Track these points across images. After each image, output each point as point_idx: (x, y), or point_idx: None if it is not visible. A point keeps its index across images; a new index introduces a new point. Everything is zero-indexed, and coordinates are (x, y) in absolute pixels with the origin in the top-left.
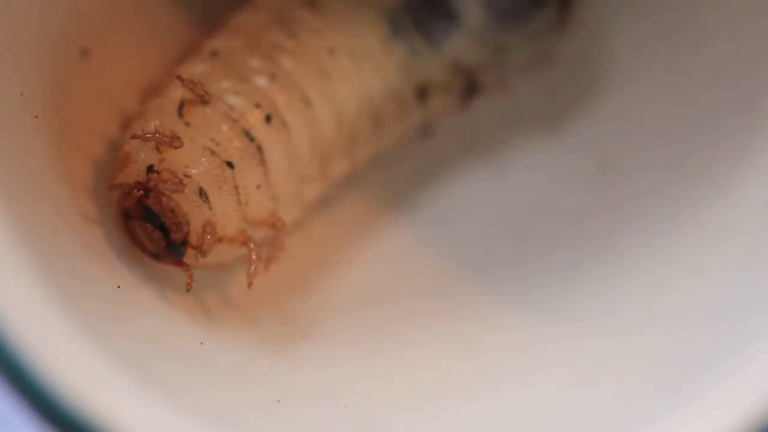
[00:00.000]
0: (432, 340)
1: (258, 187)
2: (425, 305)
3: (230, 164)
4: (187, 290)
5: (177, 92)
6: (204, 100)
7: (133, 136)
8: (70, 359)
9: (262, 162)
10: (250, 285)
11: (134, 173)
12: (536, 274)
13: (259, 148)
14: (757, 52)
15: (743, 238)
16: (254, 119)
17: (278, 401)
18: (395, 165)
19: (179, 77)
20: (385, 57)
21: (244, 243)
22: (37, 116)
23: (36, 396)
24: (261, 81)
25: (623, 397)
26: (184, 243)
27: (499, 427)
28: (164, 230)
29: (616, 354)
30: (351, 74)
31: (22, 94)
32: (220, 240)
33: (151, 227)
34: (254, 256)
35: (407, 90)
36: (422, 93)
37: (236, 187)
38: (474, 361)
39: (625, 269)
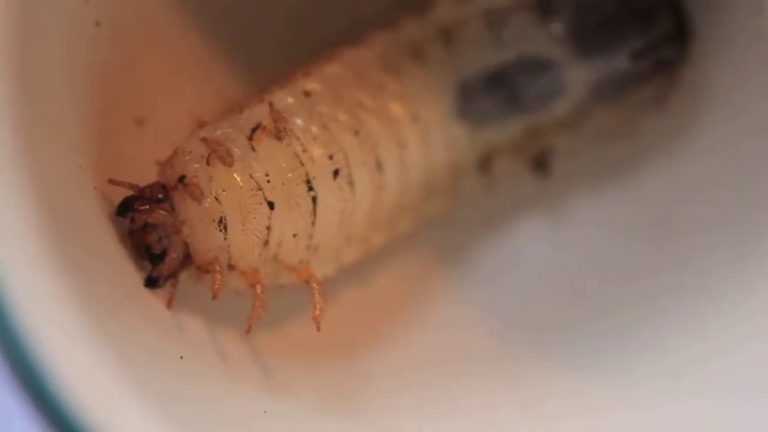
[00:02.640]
0: (487, 407)
1: (294, 236)
2: (479, 369)
3: (271, 204)
4: (168, 308)
5: (257, 113)
6: (279, 136)
7: (203, 139)
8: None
9: (313, 212)
10: (248, 330)
11: (166, 174)
12: (593, 337)
13: (314, 199)
14: None
15: None
16: (321, 169)
17: None
18: (445, 220)
19: (271, 104)
20: (457, 129)
21: (252, 284)
22: (96, 188)
23: None
24: (344, 134)
25: None
26: (166, 276)
27: None
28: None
29: (674, 423)
30: (425, 145)
31: (80, 166)
32: (231, 269)
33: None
34: (258, 303)
35: (468, 162)
36: (486, 164)
37: (268, 228)
38: (532, 430)
39: (684, 332)
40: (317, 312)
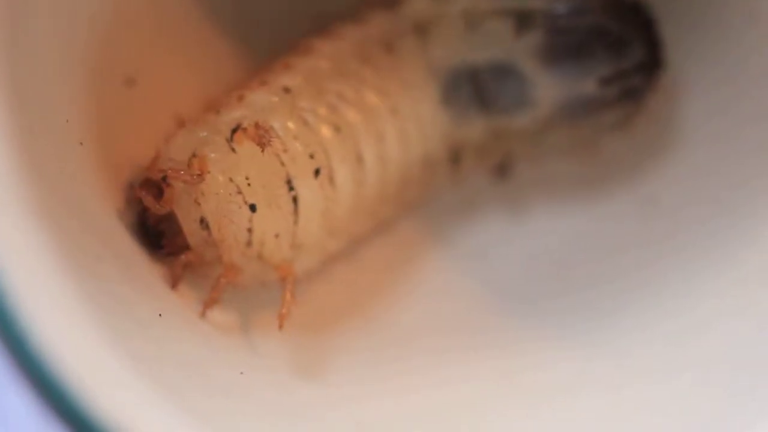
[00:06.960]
0: (470, 379)
1: (276, 236)
2: (461, 341)
3: (252, 207)
4: (173, 287)
5: (236, 113)
6: (261, 144)
7: (170, 159)
8: (111, 384)
9: (294, 212)
10: (202, 314)
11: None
12: (575, 309)
13: (295, 199)
14: None
15: None
16: (302, 169)
17: None
18: (429, 201)
19: (257, 124)
20: (432, 123)
21: (226, 279)
22: (81, 143)
23: (77, 423)
24: (325, 130)
25: None
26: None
27: None
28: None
29: (655, 398)
30: (403, 138)
31: (67, 120)
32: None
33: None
34: (216, 291)
35: (441, 155)
36: (456, 158)
37: (249, 230)
38: (514, 402)
39: (665, 305)
40: (284, 311)
